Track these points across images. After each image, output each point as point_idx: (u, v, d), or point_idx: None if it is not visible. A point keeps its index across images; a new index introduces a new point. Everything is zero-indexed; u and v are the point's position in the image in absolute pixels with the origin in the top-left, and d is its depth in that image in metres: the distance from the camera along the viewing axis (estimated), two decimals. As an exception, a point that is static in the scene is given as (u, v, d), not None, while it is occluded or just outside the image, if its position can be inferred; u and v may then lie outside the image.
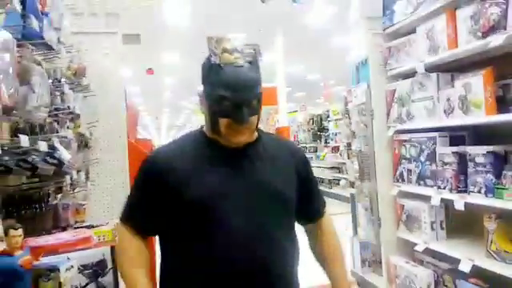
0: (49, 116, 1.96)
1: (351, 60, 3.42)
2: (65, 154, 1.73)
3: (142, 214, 1.17)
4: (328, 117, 9.50)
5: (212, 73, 1.13)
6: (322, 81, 14.30)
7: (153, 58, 10.38)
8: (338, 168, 8.57)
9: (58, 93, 2.13)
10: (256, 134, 1.23)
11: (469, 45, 2.22)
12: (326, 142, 9.75)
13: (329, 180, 9.12)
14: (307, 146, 10.88)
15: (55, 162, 1.70)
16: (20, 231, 1.30)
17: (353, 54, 3.40)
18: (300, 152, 1.34)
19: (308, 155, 10.91)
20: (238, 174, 1.15)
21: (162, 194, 1.13)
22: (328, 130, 9.51)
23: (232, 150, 1.16)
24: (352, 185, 3.63)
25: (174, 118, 27.28)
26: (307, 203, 1.29)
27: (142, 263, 1.16)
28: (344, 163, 6.16)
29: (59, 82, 2.19)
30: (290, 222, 1.23)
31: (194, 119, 12.36)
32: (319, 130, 10.18)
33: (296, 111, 13.58)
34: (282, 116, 7.56)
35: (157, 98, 17.47)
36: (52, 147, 1.68)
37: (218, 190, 1.12)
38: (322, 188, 9.35)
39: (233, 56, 1.12)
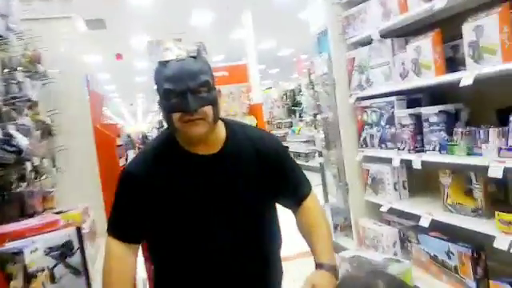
0: (5, 105, 1.94)
1: (312, 31, 3.45)
2: (22, 141, 1.73)
3: (124, 223, 1.23)
4: (300, 91, 9.56)
5: (158, 73, 1.18)
6: (295, 56, 14.29)
7: (121, 43, 10.17)
8: (311, 141, 8.70)
9: (14, 81, 2.11)
10: (224, 132, 1.25)
11: (417, 8, 2.28)
12: (300, 117, 9.84)
13: (305, 154, 9.26)
14: (283, 121, 10.95)
15: (14, 149, 1.70)
16: (-23, 217, 1.31)
17: (313, 25, 3.43)
18: (268, 145, 1.31)
19: (284, 131, 10.96)
20: (208, 185, 1.20)
21: (143, 205, 1.20)
22: (301, 104, 9.58)
23: (203, 158, 1.21)
24: (320, 154, 3.73)
25: (150, 103, 26.90)
26: (288, 191, 1.33)
27: (123, 274, 1.21)
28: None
29: (15, 70, 2.15)
30: (262, 225, 1.28)
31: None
32: (293, 104, 10.25)
33: (271, 88, 13.60)
34: (255, 93, 7.57)
35: (129, 83, 17.16)
36: (8, 135, 1.68)
37: (192, 203, 1.19)
38: (299, 162, 9.55)
39: (174, 53, 1.16)
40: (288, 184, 1.33)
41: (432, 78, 2.24)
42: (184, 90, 1.11)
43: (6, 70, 2.15)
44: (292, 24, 10.08)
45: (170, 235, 1.21)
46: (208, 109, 1.15)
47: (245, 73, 7.25)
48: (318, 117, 3.45)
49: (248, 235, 1.23)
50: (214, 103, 1.17)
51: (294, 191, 1.35)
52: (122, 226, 1.23)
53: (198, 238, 1.20)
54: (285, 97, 10.78)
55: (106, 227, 1.26)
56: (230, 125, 1.29)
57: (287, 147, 1.47)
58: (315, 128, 3.76)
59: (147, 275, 1.94)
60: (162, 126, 13.59)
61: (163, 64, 1.16)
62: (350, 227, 3.34)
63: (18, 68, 2.18)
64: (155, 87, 1.21)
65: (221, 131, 1.26)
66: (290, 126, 10.47)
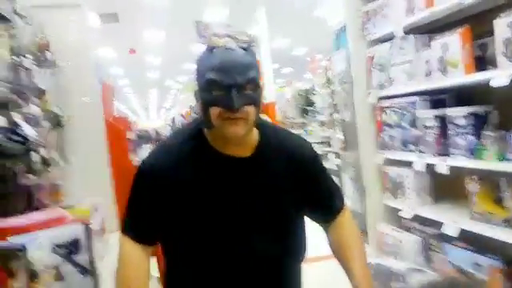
0: (13, 93, 1.88)
1: (331, 27, 3.34)
2: (29, 131, 1.66)
3: (141, 224, 1.12)
4: (314, 91, 9.42)
5: (202, 59, 1.07)
6: (309, 55, 14.14)
7: (135, 38, 10.15)
8: (325, 142, 8.56)
9: (22, 68, 2.04)
10: (257, 135, 1.15)
11: (445, 3, 2.15)
12: (313, 117, 9.69)
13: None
14: (295, 121, 10.81)
15: (20, 139, 1.63)
16: (-23, 210, 1.24)
17: (332, 22, 3.32)
18: (302, 154, 1.20)
19: (297, 131, 10.90)
20: (236, 190, 1.11)
21: (160, 205, 1.09)
22: (315, 104, 9.44)
23: (233, 161, 1.11)
24: (337, 156, 3.61)
25: (162, 99, 26.99)
26: (319, 204, 1.23)
27: (140, 281, 1.11)
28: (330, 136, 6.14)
29: (24, 57, 2.09)
30: (288, 234, 1.17)
31: (182, 98, 12.22)
32: (307, 104, 10.11)
33: (284, 87, 13.48)
34: (268, 91, 7.47)
35: (142, 78, 17.20)
36: (14, 124, 1.60)
37: (218, 207, 1.09)
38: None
39: (222, 40, 1.04)
40: (320, 196, 1.23)
41: (460, 77, 2.10)
42: (230, 84, 1.00)
43: (14, 57, 2.09)
44: (307, 22, 9.96)
45: (190, 236, 1.10)
46: (251, 109, 1.04)
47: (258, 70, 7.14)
48: (335, 116, 3.33)
49: (272, 244, 1.13)
50: (257, 103, 1.06)
51: (326, 204, 1.25)
52: (140, 226, 1.12)
53: (220, 242, 1.10)
54: (298, 96, 10.64)
55: (121, 226, 1.15)
56: (262, 127, 1.18)
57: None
58: (332, 128, 3.63)
59: (159, 274, 1.85)
60: (175, 123, 13.55)
61: (210, 50, 1.05)
62: (366, 232, 3.22)
63: (27, 55, 2.11)
64: (195, 75, 1.10)
65: (254, 133, 1.15)
66: (303, 126, 10.34)
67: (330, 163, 8.13)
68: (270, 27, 8.51)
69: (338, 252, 1.23)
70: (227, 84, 1.00)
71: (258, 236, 1.11)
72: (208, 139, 1.12)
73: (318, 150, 9.24)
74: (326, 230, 1.27)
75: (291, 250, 1.18)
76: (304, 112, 10.37)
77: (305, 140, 1.29)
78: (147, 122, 37.00)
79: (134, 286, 1.09)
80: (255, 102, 1.05)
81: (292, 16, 9.31)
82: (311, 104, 9.82)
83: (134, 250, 1.10)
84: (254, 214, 1.11)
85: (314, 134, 9.38)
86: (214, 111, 1.03)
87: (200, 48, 1.11)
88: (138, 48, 10.97)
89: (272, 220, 1.13)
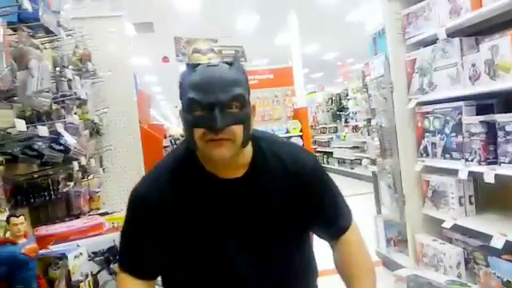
0: (55, 102, 1.92)
1: (368, 31, 3.26)
2: (70, 140, 1.68)
3: (139, 258, 1.04)
4: (347, 95, 9.27)
5: (183, 77, 0.99)
6: (340, 59, 13.97)
7: (168, 46, 10.34)
8: (358, 147, 8.40)
9: (64, 79, 2.09)
10: (250, 152, 1.05)
11: (494, 3, 2.04)
12: (346, 122, 9.54)
13: (350, 160, 8.96)
14: (327, 126, 10.69)
15: (61, 148, 1.65)
16: (21, 219, 1.26)
17: (369, 25, 3.24)
18: (300, 167, 1.08)
19: (328, 136, 10.72)
20: (231, 214, 1.02)
21: (155, 237, 1.02)
22: (348, 108, 9.28)
23: (225, 183, 1.02)
24: (373, 162, 3.50)
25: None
26: (323, 223, 1.14)
27: None
28: (365, 142, 6.00)
29: (67, 68, 2.14)
30: (292, 257, 1.09)
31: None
32: (338, 109, 9.97)
33: (315, 92, 13.36)
34: (299, 97, 7.40)
35: (174, 86, 17.48)
36: (56, 133, 1.63)
37: (212, 233, 1.02)
38: (343, 169, 9.25)
39: (206, 56, 0.99)
40: (324, 214, 1.11)
41: (511, 81, 1.98)
42: (212, 102, 0.91)
43: (57, 68, 2.14)
44: (337, 27, 9.83)
45: (186, 265, 1.04)
46: (237, 128, 0.94)
47: (290, 76, 7.10)
48: (373, 122, 3.23)
49: (276, 269, 1.05)
50: (245, 122, 0.96)
51: (331, 222, 1.13)
52: (136, 261, 1.04)
53: (218, 271, 1.03)
54: (330, 101, 10.51)
55: (119, 261, 1.08)
56: (257, 141, 1.07)
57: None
58: (369, 134, 3.53)
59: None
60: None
61: (191, 67, 0.97)
62: (404, 242, 3.10)
63: (69, 67, 2.17)
64: (179, 93, 1.01)
65: (247, 151, 1.04)
66: (335, 131, 10.20)
67: (362, 168, 8.00)
68: (300, 32, 8.46)
69: (343, 271, 1.14)
70: (209, 103, 0.91)
71: (257, 260, 1.03)
72: (199, 161, 1.04)
73: (350, 155, 9.08)
74: (332, 246, 1.18)
75: (295, 272, 1.09)
76: (336, 117, 10.23)
77: (306, 151, 1.19)
78: (178, 128, 37.66)
79: None
80: (242, 121, 0.95)
81: (323, 21, 9.22)
82: (344, 109, 9.68)
83: (134, 286, 1.03)
84: (250, 238, 1.03)
85: (346, 140, 9.24)
86: (197, 132, 0.94)
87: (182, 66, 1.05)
88: (171, 56, 11.16)
89: (269, 243, 1.04)
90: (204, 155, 1.00)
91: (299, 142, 5.96)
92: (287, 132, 6.45)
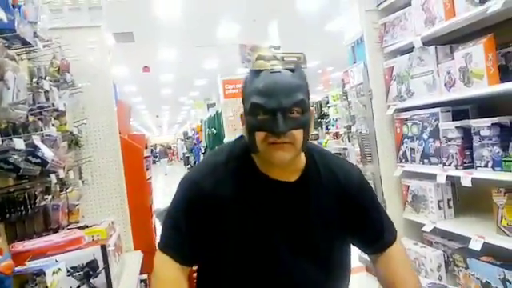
0: (32, 114, 1.88)
1: (346, 40, 3.31)
2: (47, 153, 1.65)
3: (183, 243, 1.06)
4: (327, 103, 9.38)
5: (247, 82, 1.04)
6: (320, 68, 14.14)
7: (149, 56, 10.28)
8: (340, 154, 8.48)
9: (41, 90, 2.04)
10: (304, 158, 1.10)
11: (467, 13, 2.11)
12: (327, 129, 9.64)
13: (333, 167, 9.02)
14: (309, 134, 10.76)
15: (38, 161, 1.62)
16: (-3, 235, 1.22)
17: (348, 34, 3.29)
18: (350, 181, 1.13)
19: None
20: (281, 215, 1.06)
21: (202, 225, 1.05)
22: (328, 116, 9.39)
23: (279, 185, 1.06)
24: (355, 169, 3.54)
25: (175, 114, 27.23)
26: (368, 236, 1.16)
27: None
28: (346, 148, 6.07)
29: (44, 79, 2.10)
30: (333, 264, 1.11)
31: (193, 113, 12.33)
32: (319, 117, 10.06)
33: (296, 100, 13.45)
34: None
35: (155, 95, 17.39)
36: (33, 146, 1.60)
37: (262, 232, 1.04)
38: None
39: (269, 63, 1.01)
40: (369, 227, 1.14)
41: (484, 87, 2.05)
42: (275, 107, 0.96)
43: (34, 79, 2.10)
44: (317, 36, 9.96)
45: (229, 259, 1.05)
46: (298, 133, 0.99)
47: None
48: (353, 129, 3.28)
49: (313, 272, 1.07)
50: (306, 127, 1.01)
51: (376, 237, 1.15)
52: (181, 245, 1.06)
53: (258, 267, 1.04)
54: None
55: (160, 243, 1.09)
56: (310, 151, 1.12)
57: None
58: (349, 141, 3.58)
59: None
60: (188, 138, 13.61)
61: (255, 73, 1.02)
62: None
63: (47, 78, 2.13)
64: (242, 98, 1.06)
65: (301, 157, 1.09)
66: (317, 138, 10.27)
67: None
68: (281, 41, 8.53)
69: (387, 286, 1.15)
70: (272, 108, 0.96)
71: (299, 263, 1.05)
72: (254, 160, 1.08)
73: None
74: (374, 261, 1.19)
75: (332, 277, 1.11)
76: (317, 124, 10.32)
77: (354, 167, 1.21)
78: (160, 137, 37.39)
79: None
80: (303, 125, 1.00)
81: (303, 30, 9.33)
82: (324, 116, 9.78)
83: (173, 271, 1.05)
84: (295, 241, 1.06)
85: (327, 147, 9.31)
86: (259, 136, 0.99)
87: (245, 70, 1.08)
88: (152, 66, 11.10)
89: (314, 248, 1.07)
90: (263, 157, 1.04)
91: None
92: (269, 140, 6.47)
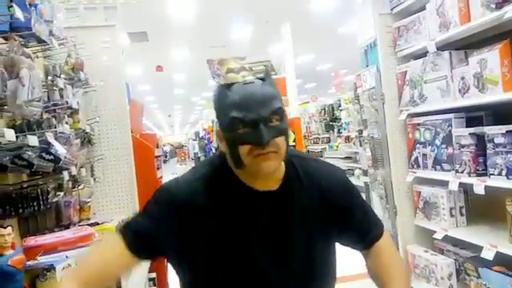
0: (46, 111, 1.91)
1: (359, 44, 3.29)
2: (60, 150, 1.67)
3: (145, 235, 1.01)
4: (340, 106, 9.35)
5: (220, 98, 1.02)
6: (333, 70, 14.09)
7: (162, 55, 10.37)
8: (351, 158, 8.43)
9: (56, 88, 2.08)
10: (283, 165, 1.08)
11: (483, 18, 2.08)
12: (338, 132, 9.60)
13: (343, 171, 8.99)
14: (320, 136, 10.74)
15: (51, 157, 1.64)
16: (9, 230, 1.25)
17: (361, 38, 3.27)
18: (331, 183, 1.12)
19: (322, 146, 10.77)
20: (263, 225, 1.04)
21: (176, 231, 1.01)
22: (340, 119, 9.35)
23: (261, 195, 1.04)
24: (365, 173, 3.52)
25: (187, 114, 27.40)
26: (355, 235, 1.16)
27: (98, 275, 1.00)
28: (357, 152, 6.04)
29: (59, 77, 2.14)
30: (316, 268, 1.09)
31: (206, 113, 12.36)
32: (331, 120, 10.03)
33: (307, 102, 13.44)
34: (292, 107, 7.45)
35: (168, 95, 17.53)
36: (46, 143, 1.62)
37: (242, 242, 1.03)
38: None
39: (240, 74, 1.00)
40: (355, 226, 1.15)
41: (499, 94, 2.01)
42: (255, 119, 0.95)
43: (49, 77, 2.14)
44: (331, 38, 9.94)
45: (209, 271, 1.03)
46: (281, 140, 0.98)
47: (283, 86, 7.15)
48: (364, 133, 3.25)
49: (299, 282, 1.06)
50: (286, 133, 1.01)
51: (363, 234, 1.16)
52: (140, 239, 1.01)
53: (240, 277, 1.03)
54: (323, 112, 10.58)
55: (121, 226, 1.05)
56: (289, 156, 1.10)
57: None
58: (360, 145, 3.55)
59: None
60: (201, 138, 13.68)
61: (226, 87, 1.00)
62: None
63: (62, 76, 2.16)
64: (215, 114, 1.05)
65: (282, 164, 1.08)
66: (328, 141, 10.24)
67: (354, 179, 8.05)
68: (294, 43, 8.54)
69: (376, 279, 1.17)
70: (252, 119, 0.95)
71: (282, 270, 1.04)
72: (234, 173, 1.06)
73: (343, 165, 9.12)
74: (364, 256, 1.20)
75: (317, 276, 1.10)
76: (329, 127, 10.29)
77: (335, 167, 1.21)
78: (172, 136, 37.66)
79: (90, 274, 0.99)
80: (284, 132, 1.00)
81: (316, 32, 9.31)
82: (337, 119, 9.75)
83: (120, 249, 0.99)
84: (277, 252, 1.04)
85: (339, 150, 9.27)
86: (244, 150, 0.97)
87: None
88: (165, 65, 11.19)
89: (298, 255, 1.06)
90: (249, 170, 1.01)
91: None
92: (280, 142, 6.47)
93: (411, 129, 2.77)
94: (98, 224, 2.11)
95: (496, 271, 2.13)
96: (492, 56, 2.03)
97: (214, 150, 10.31)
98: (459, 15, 2.25)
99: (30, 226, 1.94)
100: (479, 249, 2.20)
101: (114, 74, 2.62)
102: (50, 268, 1.37)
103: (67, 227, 1.99)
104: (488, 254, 2.11)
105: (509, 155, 2.04)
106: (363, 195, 3.78)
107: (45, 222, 1.97)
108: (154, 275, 2.50)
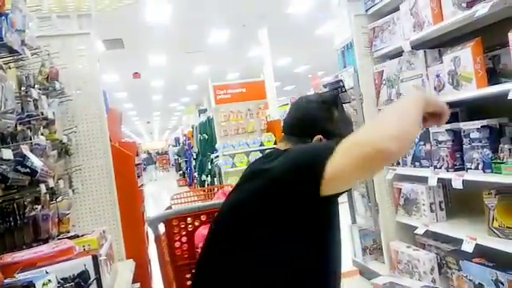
0: (20, 123, 1.85)
1: (336, 45, 3.33)
2: (37, 162, 1.62)
3: None
4: (319, 107, 9.41)
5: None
6: (311, 72, 14.21)
7: (139, 62, 10.24)
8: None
9: (30, 99, 2.02)
10: None
11: (455, 17, 2.13)
12: (318, 133, 9.66)
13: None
14: (301, 138, 10.78)
15: (27, 170, 1.59)
16: (-16, 247, 1.19)
17: (337, 39, 3.31)
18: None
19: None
20: None
21: None
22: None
23: None
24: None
25: (166, 120, 27.12)
26: None
27: None
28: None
29: (33, 88, 2.08)
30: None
31: (185, 119, 12.27)
32: (311, 121, 10.08)
33: (287, 104, 13.49)
34: (272, 110, 7.47)
35: (146, 102, 17.31)
36: (21, 155, 1.57)
37: None
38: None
39: None
40: None
41: (473, 90, 2.07)
42: None
43: (22, 88, 2.08)
44: (308, 41, 10.02)
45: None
46: None
47: (262, 89, 7.17)
48: (344, 133, 3.28)
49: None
50: None
51: None
52: None
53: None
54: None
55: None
56: None
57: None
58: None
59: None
60: (179, 144, 13.55)
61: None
62: (379, 250, 3.14)
63: (36, 86, 2.11)
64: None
65: None
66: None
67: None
68: (272, 46, 8.57)
69: None
70: None
71: None
72: None
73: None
74: None
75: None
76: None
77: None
78: (151, 143, 37.20)
79: None
80: None
81: (293, 35, 9.38)
82: (316, 121, 9.80)
83: None
84: None
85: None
86: None
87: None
88: (142, 72, 11.06)
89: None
90: None
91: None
92: (261, 145, 6.48)
93: (390, 127, 2.81)
94: (78, 236, 2.05)
95: (476, 263, 2.18)
96: (465, 54, 2.09)
97: (194, 156, 10.23)
98: (432, 15, 2.30)
99: (7, 242, 1.86)
100: (459, 242, 2.25)
101: (91, 82, 2.57)
102: (30, 285, 1.31)
103: (46, 241, 1.92)
104: (468, 247, 2.16)
105: (484, 149, 2.10)
106: (345, 194, 3.81)
107: (22, 238, 1.90)
108: (137, 286, 2.45)
